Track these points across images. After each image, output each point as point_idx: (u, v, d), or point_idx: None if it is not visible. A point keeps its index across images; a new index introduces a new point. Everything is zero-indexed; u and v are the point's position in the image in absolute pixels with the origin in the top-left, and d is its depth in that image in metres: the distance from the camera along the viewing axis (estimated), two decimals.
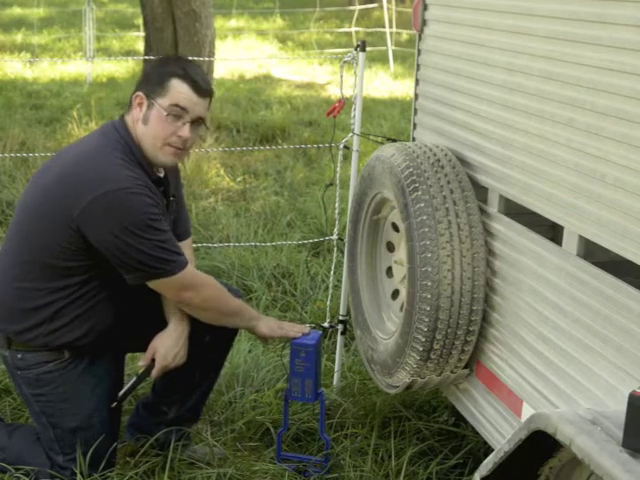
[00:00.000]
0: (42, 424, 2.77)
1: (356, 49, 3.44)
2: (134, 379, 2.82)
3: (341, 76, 3.43)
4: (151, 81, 2.65)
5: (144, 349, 2.83)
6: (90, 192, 2.50)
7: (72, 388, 2.72)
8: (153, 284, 2.64)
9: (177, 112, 2.61)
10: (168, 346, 2.75)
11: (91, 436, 2.72)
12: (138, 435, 2.98)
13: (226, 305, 2.80)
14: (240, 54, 13.46)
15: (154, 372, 2.77)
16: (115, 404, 2.80)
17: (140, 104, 2.64)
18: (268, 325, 2.88)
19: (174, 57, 2.89)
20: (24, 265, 2.65)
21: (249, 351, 3.68)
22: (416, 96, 3.16)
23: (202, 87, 2.64)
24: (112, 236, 2.51)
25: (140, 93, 2.64)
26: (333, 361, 3.64)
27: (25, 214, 2.67)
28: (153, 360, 2.76)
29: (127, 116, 2.69)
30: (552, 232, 2.72)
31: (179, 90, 2.61)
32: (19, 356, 2.69)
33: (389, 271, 3.05)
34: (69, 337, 2.66)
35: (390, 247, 3.04)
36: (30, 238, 2.63)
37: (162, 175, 2.75)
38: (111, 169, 2.54)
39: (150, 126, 2.62)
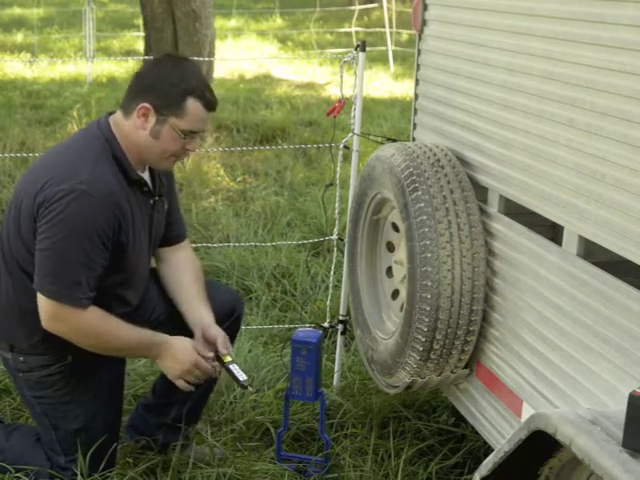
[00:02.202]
0: (43, 425, 2.76)
1: (356, 49, 3.44)
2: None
3: (341, 76, 3.43)
4: (163, 96, 2.56)
5: None
6: (51, 185, 2.47)
7: (74, 390, 2.71)
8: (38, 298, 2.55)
9: (191, 134, 2.61)
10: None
11: (93, 437, 2.72)
12: (137, 437, 2.98)
13: (108, 348, 2.66)
14: (240, 54, 13.45)
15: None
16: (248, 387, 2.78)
17: (145, 115, 2.57)
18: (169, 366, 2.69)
19: (177, 62, 2.72)
20: (13, 270, 2.63)
21: (249, 351, 3.68)
22: (416, 96, 3.16)
23: (214, 104, 2.63)
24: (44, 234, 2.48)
25: (147, 105, 2.56)
26: (333, 361, 3.64)
27: (10, 219, 2.65)
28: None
29: (124, 119, 2.62)
30: (552, 232, 2.72)
31: (196, 114, 2.58)
32: (21, 359, 2.68)
33: (389, 271, 3.05)
34: (67, 343, 2.61)
35: (390, 247, 3.04)
36: (14, 242, 2.61)
37: (145, 175, 2.70)
38: (80, 167, 2.51)
39: (162, 141, 2.59)
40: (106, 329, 2.59)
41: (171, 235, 2.90)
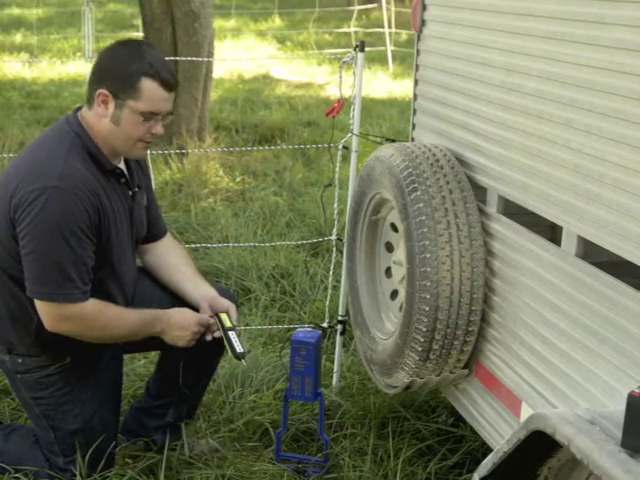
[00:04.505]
0: (42, 427, 2.75)
1: (355, 49, 3.44)
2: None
3: (340, 76, 3.43)
4: (118, 79, 2.51)
5: (143, 349, 2.80)
6: (24, 186, 2.45)
7: (72, 391, 2.71)
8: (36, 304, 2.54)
9: (152, 116, 2.55)
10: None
11: (91, 438, 2.71)
12: (134, 439, 2.97)
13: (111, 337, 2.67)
14: (239, 54, 13.44)
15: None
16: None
17: (105, 102, 2.52)
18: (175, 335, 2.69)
19: (132, 45, 2.62)
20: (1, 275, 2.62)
21: (248, 351, 3.68)
22: (415, 96, 3.17)
23: (171, 83, 2.56)
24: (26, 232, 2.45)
25: (105, 91, 2.51)
26: (332, 361, 3.64)
27: None
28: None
29: (88, 110, 2.58)
30: (551, 232, 2.73)
31: (152, 93, 2.51)
32: (20, 360, 2.67)
33: (388, 271, 3.05)
34: (62, 344, 2.61)
35: (389, 247, 3.04)
36: None
37: (121, 165, 2.67)
38: (51, 164, 2.48)
39: (123, 127, 2.54)
40: (109, 317, 2.58)
41: (152, 232, 2.88)
